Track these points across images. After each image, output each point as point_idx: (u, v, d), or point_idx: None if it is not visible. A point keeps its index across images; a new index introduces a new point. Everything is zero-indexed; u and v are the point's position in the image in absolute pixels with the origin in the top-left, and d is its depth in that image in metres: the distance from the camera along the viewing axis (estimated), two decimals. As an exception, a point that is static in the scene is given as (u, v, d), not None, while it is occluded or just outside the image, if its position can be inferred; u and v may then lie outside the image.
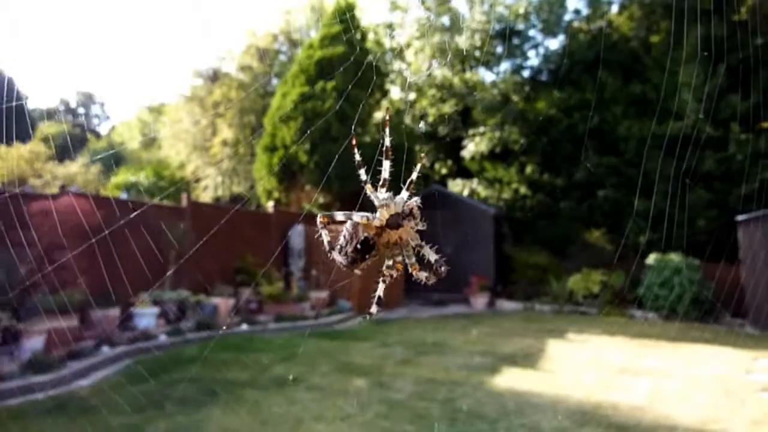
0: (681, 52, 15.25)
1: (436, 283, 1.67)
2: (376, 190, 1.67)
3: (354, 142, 1.76)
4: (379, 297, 1.73)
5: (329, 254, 1.69)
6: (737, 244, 12.62)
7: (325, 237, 1.69)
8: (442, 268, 1.63)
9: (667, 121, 15.32)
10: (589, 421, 5.38)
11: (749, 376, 7.45)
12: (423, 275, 1.65)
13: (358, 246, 1.63)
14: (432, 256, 1.63)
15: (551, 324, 11.99)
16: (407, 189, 1.66)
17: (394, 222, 1.61)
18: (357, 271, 1.71)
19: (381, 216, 1.62)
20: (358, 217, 1.64)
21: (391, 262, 1.69)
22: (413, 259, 1.67)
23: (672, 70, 15.51)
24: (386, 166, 1.68)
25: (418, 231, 1.67)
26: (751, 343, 9.86)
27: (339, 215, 1.67)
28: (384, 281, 1.71)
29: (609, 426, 5.21)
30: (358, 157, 1.73)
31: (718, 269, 12.94)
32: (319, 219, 1.67)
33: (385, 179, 1.67)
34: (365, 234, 1.63)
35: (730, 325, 12.37)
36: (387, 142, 1.69)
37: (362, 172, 1.69)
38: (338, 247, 1.67)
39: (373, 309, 1.73)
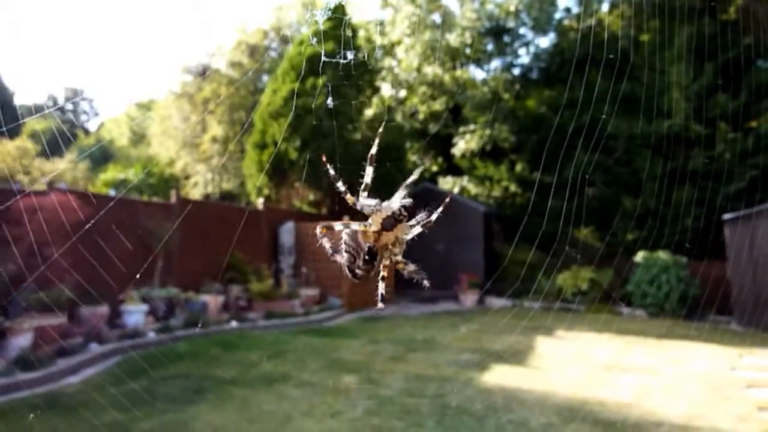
0: (670, 51, 15.36)
1: (426, 279, 1.77)
2: (357, 197, 1.77)
3: (324, 159, 1.88)
4: (382, 294, 1.84)
5: (344, 272, 1.82)
6: (724, 243, 12.75)
7: (340, 258, 1.82)
8: (425, 281, 1.77)
9: (656, 120, 15.43)
10: (576, 417, 5.42)
11: (734, 372, 7.53)
12: (411, 268, 1.77)
13: (366, 257, 1.75)
14: (412, 268, 1.76)
15: (540, 321, 12.04)
16: (404, 189, 1.76)
17: (389, 224, 1.72)
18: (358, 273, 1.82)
19: (375, 222, 1.73)
20: (356, 225, 1.76)
21: (387, 262, 1.79)
22: (400, 257, 1.77)
23: (661, 69, 15.61)
24: (369, 171, 1.78)
25: (412, 226, 1.78)
26: (736, 340, 9.96)
27: (337, 225, 1.79)
28: (383, 279, 1.83)
29: (596, 422, 5.26)
30: (332, 172, 1.84)
31: (705, 267, 13.08)
32: (318, 230, 1.80)
33: (366, 184, 1.77)
34: (367, 243, 1.74)
35: (715, 322, 12.49)
36: (374, 150, 1.79)
37: (339, 184, 1.79)
38: (348, 263, 1.79)
39: (380, 305, 1.85)
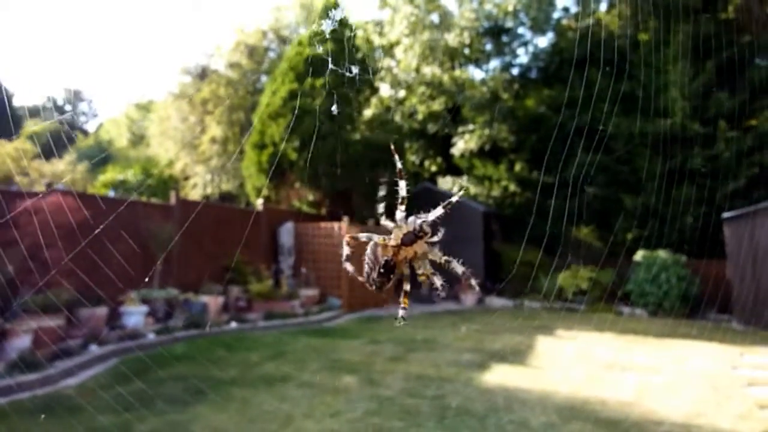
0: (669, 50, 15.36)
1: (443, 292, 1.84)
2: (394, 212, 1.85)
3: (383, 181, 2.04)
4: (402, 313, 1.89)
5: (367, 284, 1.89)
6: (724, 241, 12.75)
7: (350, 268, 1.93)
8: (472, 280, 1.80)
9: (655, 119, 15.42)
10: (577, 416, 5.42)
11: (735, 371, 7.53)
12: (437, 282, 1.82)
13: (381, 270, 1.83)
14: (459, 269, 1.79)
15: (540, 320, 12.04)
16: (444, 207, 1.80)
17: (408, 240, 1.80)
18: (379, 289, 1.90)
19: (395, 236, 1.82)
20: (377, 237, 1.86)
21: (407, 287, 1.88)
22: (428, 267, 1.85)
23: (660, 68, 15.60)
24: (402, 185, 1.84)
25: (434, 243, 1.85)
26: (737, 339, 9.95)
27: (363, 236, 1.89)
28: (405, 294, 1.89)
29: (597, 421, 5.25)
30: (381, 193, 1.98)
31: (705, 266, 13.08)
32: (345, 240, 1.91)
33: (402, 197, 1.84)
34: (385, 257, 1.83)
35: (716, 321, 12.49)
36: (399, 165, 1.86)
37: (380, 207, 1.93)
38: (365, 275, 1.87)
39: (400, 321, 1.89)
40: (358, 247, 1.93)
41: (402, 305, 1.86)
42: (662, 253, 13.33)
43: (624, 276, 14.04)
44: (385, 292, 1.88)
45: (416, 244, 1.80)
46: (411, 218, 1.83)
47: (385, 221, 1.86)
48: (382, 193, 1.95)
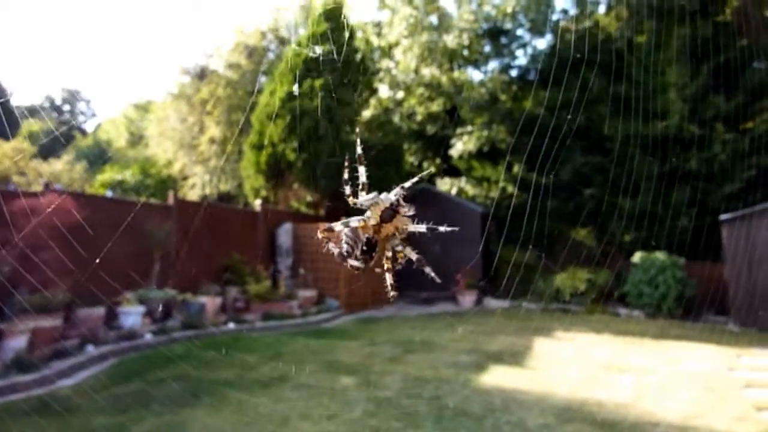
0: (666, 53, 15.39)
1: (424, 281, 1.85)
2: (357, 196, 1.87)
3: (346, 164, 1.96)
4: (391, 284, 1.91)
5: (344, 263, 1.87)
6: (721, 243, 12.77)
7: (334, 249, 1.89)
8: (426, 268, 1.85)
9: (652, 121, 15.44)
10: (574, 417, 5.42)
11: (732, 372, 7.54)
12: (413, 256, 1.86)
13: (364, 248, 1.83)
14: (413, 256, 1.84)
15: (538, 322, 12.06)
16: (401, 188, 1.83)
17: (387, 215, 1.80)
18: (357, 264, 1.88)
19: (374, 215, 1.82)
20: (355, 222, 1.84)
21: (390, 254, 1.88)
22: (403, 247, 1.87)
23: (657, 70, 15.63)
24: (362, 171, 1.88)
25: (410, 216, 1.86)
26: (733, 341, 9.97)
27: (337, 225, 1.87)
28: (389, 271, 1.91)
29: (594, 422, 5.26)
30: (345, 176, 1.94)
31: (702, 268, 13.10)
32: (319, 232, 1.88)
33: (363, 183, 1.87)
34: (366, 235, 1.82)
35: (713, 322, 12.51)
36: (359, 150, 1.89)
37: (347, 188, 1.92)
38: (346, 253, 1.85)
39: (392, 293, 1.91)
40: (336, 237, 1.91)
41: (387, 269, 1.87)
42: (660, 255, 13.35)
43: (621, 277, 14.06)
44: (382, 293, 1.89)
45: (395, 219, 1.82)
46: (382, 195, 1.83)
47: (355, 200, 1.87)
48: (346, 176, 1.93)
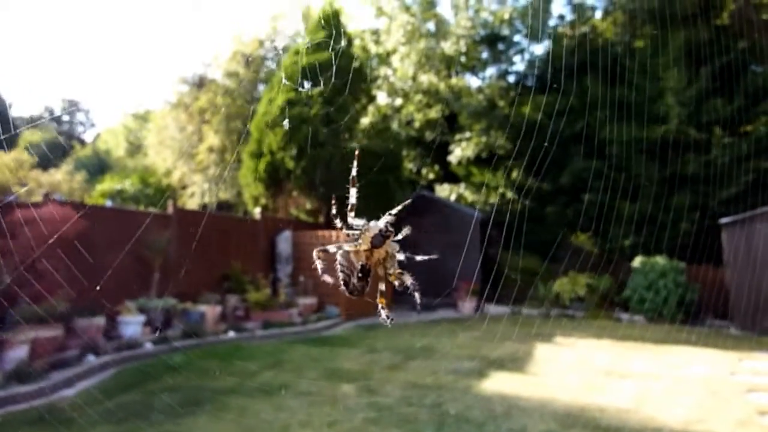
0: (665, 57, 15.43)
1: (424, 287, 1.86)
2: (346, 220, 1.91)
3: (334, 200, 2.02)
4: (387, 315, 1.93)
5: (346, 292, 1.93)
6: (721, 247, 12.76)
7: (329, 279, 1.96)
8: (416, 293, 1.87)
9: (651, 126, 15.47)
10: (575, 423, 5.40)
11: (734, 377, 7.53)
12: (408, 280, 1.87)
13: (360, 275, 1.88)
14: (408, 281, 1.86)
15: (538, 328, 12.03)
16: (389, 215, 1.87)
17: (378, 242, 1.84)
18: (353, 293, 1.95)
19: (365, 241, 1.86)
20: (347, 246, 1.89)
21: (382, 274, 1.92)
22: (396, 267, 1.89)
23: (656, 74, 15.67)
24: (353, 193, 1.92)
25: (404, 239, 1.91)
26: (735, 345, 9.95)
27: (331, 248, 1.94)
28: (384, 308, 1.93)
29: (596, 428, 5.24)
30: (333, 210, 1.99)
31: (703, 272, 13.08)
32: (315, 254, 1.95)
33: (352, 204, 1.91)
34: (359, 262, 1.88)
35: (714, 326, 12.49)
36: (354, 173, 1.93)
37: (338, 222, 1.94)
38: (343, 282, 1.91)
39: (387, 321, 1.92)
40: (329, 259, 1.97)
41: (381, 306, 1.89)
42: (660, 260, 13.34)
43: (622, 282, 14.04)
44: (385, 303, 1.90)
45: (385, 244, 1.85)
46: (372, 222, 1.88)
47: (347, 227, 1.91)
48: (334, 210, 1.98)
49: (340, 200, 1.99)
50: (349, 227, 1.89)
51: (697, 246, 13.44)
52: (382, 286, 1.90)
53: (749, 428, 5.45)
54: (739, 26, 15.20)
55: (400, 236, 1.87)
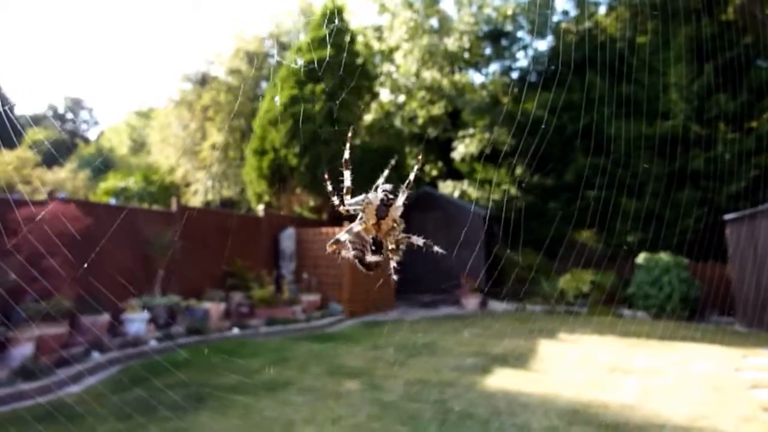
0: (669, 52, 15.37)
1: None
2: (344, 202, 1.93)
3: (326, 176, 2.03)
4: (394, 267, 1.96)
5: (363, 266, 1.94)
6: (725, 243, 12.73)
7: (349, 254, 1.94)
8: (434, 248, 1.89)
9: (655, 122, 15.42)
10: (579, 420, 5.41)
11: (738, 373, 7.51)
12: (418, 241, 1.91)
13: (373, 247, 1.89)
14: (420, 242, 1.90)
15: (542, 324, 12.03)
16: (407, 188, 1.90)
17: (382, 212, 1.87)
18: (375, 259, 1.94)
19: (369, 215, 1.88)
20: (356, 227, 1.91)
21: (393, 245, 1.94)
22: (403, 235, 1.93)
23: (660, 70, 15.61)
24: (347, 175, 1.95)
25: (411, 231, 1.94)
26: (739, 341, 9.93)
27: (341, 235, 1.95)
28: (393, 259, 1.96)
29: (599, 425, 5.24)
30: (329, 188, 1.98)
31: (707, 268, 13.05)
32: (328, 248, 1.96)
33: (348, 187, 1.93)
34: (370, 236, 1.90)
35: (719, 323, 12.47)
36: (347, 155, 1.96)
37: (335, 199, 1.96)
38: (358, 261, 1.92)
39: (394, 277, 1.95)
40: (344, 246, 1.97)
41: (392, 260, 1.92)
42: (664, 256, 13.30)
43: (626, 279, 14.01)
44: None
45: (390, 213, 1.88)
46: (371, 195, 1.90)
47: (344, 207, 1.93)
48: (330, 188, 1.98)
49: (333, 176, 2.00)
50: (349, 206, 1.92)
51: (701, 242, 13.41)
52: (391, 245, 1.93)
53: (753, 424, 5.44)
54: (743, 21, 15.13)
55: (401, 200, 1.89)
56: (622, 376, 7.37)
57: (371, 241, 1.89)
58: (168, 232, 9.99)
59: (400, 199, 1.88)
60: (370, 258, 1.90)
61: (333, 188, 1.96)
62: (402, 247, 1.92)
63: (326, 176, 2.00)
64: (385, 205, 1.86)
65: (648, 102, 15.34)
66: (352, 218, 1.97)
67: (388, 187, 1.90)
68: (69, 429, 4.91)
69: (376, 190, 1.92)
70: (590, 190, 17.09)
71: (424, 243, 1.89)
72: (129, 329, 8.83)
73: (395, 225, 1.90)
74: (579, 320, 12.74)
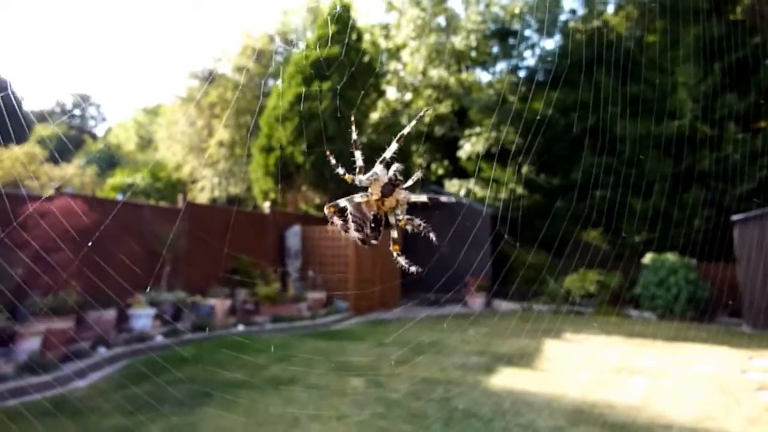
0: (677, 52, 15.28)
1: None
2: (355, 176, 1.94)
3: (329, 152, 2.07)
4: (406, 262, 1.91)
5: (357, 240, 1.94)
6: (733, 244, 12.66)
7: (343, 227, 1.96)
8: (431, 234, 1.89)
9: (663, 121, 15.34)
10: (584, 420, 5.39)
11: (745, 374, 7.47)
12: (417, 223, 1.90)
13: (372, 224, 1.91)
14: (419, 223, 1.89)
15: (548, 324, 11.99)
16: (397, 141, 1.92)
17: (388, 190, 1.88)
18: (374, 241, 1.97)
19: (375, 190, 1.89)
20: (358, 197, 1.92)
21: (393, 222, 1.94)
22: (405, 216, 1.92)
23: (668, 69, 15.52)
24: (358, 155, 1.97)
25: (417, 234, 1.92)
26: (746, 342, 9.88)
27: (342, 201, 1.94)
28: (399, 255, 1.94)
29: (605, 425, 5.23)
30: (333, 161, 2.00)
31: (715, 269, 12.98)
32: (326, 210, 1.95)
33: (360, 167, 1.95)
34: (372, 212, 1.90)
35: (725, 324, 12.40)
36: (354, 135, 2.00)
37: (340, 169, 1.98)
38: (357, 232, 1.92)
39: (413, 269, 1.90)
40: (342, 213, 1.97)
41: (396, 254, 1.91)
42: (671, 256, 13.25)
43: (632, 279, 13.96)
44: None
45: (395, 192, 1.89)
46: (378, 169, 1.90)
47: (355, 178, 1.93)
48: (333, 161, 2.00)
49: (338, 157, 1.99)
50: (359, 179, 1.93)
51: (709, 243, 13.34)
52: (395, 234, 1.92)
53: (759, 426, 5.41)
54: (752, 21, 15.02)
55: (410, 181, 1.90)
56: (628, 377, 7.35)
57: (371, 217, 1.90)
58: (175, 229, 10.01)
59: (410, 188, 1.87)
60: (355, 233, 1.89)
61: (336, 162, 1.97)
62: (409, 227, 1.90)
63: (329, 152, 2.03)
64: (392, 184, 1.87)
65: (656, 101, 15.25)
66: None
67: (401, 167, 1.90)
68: (75, 423, 4.93)
69: (385, 166, 1.92)
70: (597, 190, 17.03)
71: (423, 227, 1.87)
72: (135, 325, 8.87)
73: (397, 205, 1.91)
74: (585, 320, 12.71)
